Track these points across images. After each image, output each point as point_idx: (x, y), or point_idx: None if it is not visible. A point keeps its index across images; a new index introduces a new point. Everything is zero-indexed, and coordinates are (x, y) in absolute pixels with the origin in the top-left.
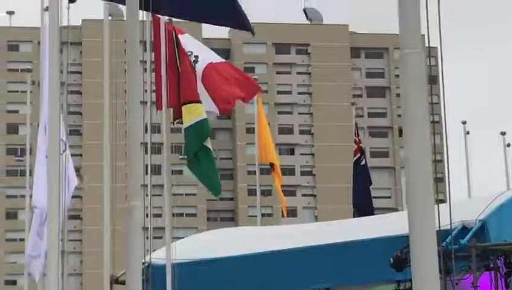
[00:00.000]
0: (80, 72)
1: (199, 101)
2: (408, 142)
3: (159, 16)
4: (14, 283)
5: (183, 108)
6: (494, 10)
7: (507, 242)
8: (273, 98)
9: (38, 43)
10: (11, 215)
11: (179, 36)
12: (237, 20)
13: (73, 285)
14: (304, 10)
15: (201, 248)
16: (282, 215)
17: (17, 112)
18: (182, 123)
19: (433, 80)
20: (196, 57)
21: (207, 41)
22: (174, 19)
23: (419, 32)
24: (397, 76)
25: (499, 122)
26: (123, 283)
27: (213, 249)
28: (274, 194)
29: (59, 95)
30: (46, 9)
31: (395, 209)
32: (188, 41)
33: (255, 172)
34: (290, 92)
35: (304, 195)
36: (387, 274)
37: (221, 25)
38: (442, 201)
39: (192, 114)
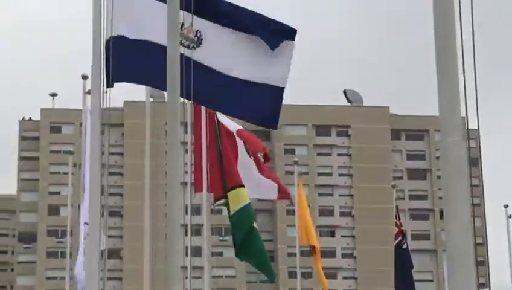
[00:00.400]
0: (121, 154)
1: (242, 185)
2: (449, 225)
3: None
4: None
5: (230, 194)
6: None
7: None
8: (313, 180)
9: (80, 124)
10: None
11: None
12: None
13: None
14: (344, 92)
15: None
16: None
17: (58, 193)
18: (223, 205)
19: (474, 162)
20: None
21: (247, 123)
22: None
23: (459, 121)
24: (438, 158)
25: None
26: None
27: None
28: (314, 276)
29: (100, 177)
30: (88, 92)
31: None
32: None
33: (295, 254)
34: (330, 174)
35: (344, 278)
36: None
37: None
38: (484, 285)
39: (239, 199)
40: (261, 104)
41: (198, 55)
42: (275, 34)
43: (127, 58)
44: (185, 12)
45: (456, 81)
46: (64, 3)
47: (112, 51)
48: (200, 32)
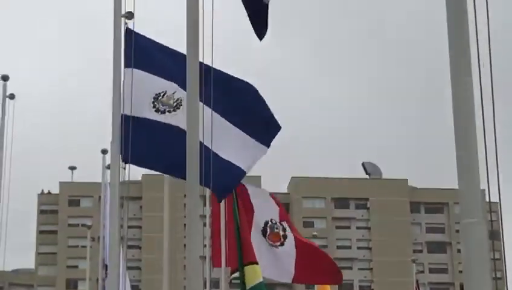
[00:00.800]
0: (140, 227)
1: (257, 262)
2: None
3: None
4: None
5: (246, 269)
6: None
7: None
8: (332, 253)
9: (99, 197)
10: None
11: (246, 186)
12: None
13: None
14: (363, 164)
15: None
16: None
17: (76, 267)
18: (238, 278)
19: (495, 235)
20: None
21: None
22: None
23: (479, 200)
24: (458, 231)
25: None
26: None
27: None
28: None
29: (119, 250)
30: (108, 167)
31: None
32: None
33: None
34: (349, 247)
35: None
36: None
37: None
38: None
39: (255, 276)
40: (220, 176)
41: (171, 119)
42: (256, 133)
43: (143, 140)
44: (171, 83)
45: (475, 153)
46: (85, 76)
47: (130, 129)
48: (181, 100)
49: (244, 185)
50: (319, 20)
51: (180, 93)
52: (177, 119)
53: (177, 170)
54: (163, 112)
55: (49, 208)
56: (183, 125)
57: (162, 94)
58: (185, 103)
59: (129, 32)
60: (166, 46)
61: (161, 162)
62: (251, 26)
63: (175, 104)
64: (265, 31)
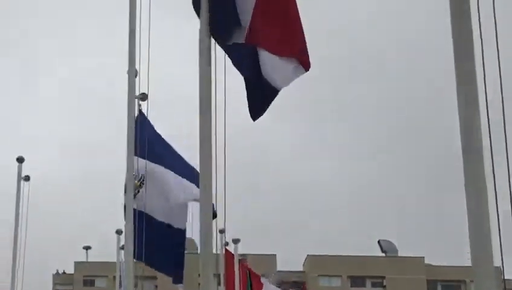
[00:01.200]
0: None
1: None
2: None
3: (232, 251)
4: None
5: None
6: None
7: None
8: None
9: (114, 277)
10: None
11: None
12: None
13: None
14: (379, 242)
15: None
16: None
17: None
18: None
19: None
20: None
21: (282, 274)
22: (247, 253)
23: (494, 283)
24: None
25: None
26: None
27: None
28: None
29: None
30: (122, 247)
31: None
32: None
33: None
34: None
35: None
36: None
37: None
38: None
39: None
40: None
41: (139, 203)
42: None
43: (151, 241)
44: (144, 160)
45: (487, 232)
46: (100, 156)
47: (143, 229)
48: (143, 177)
49: (258, 275)
50: (321, 95)
51: (143, 170)
52: (143, 199)
53: (167, 268)
54: (134, 197)
55: (64, 288)
56: (148, 207)
57: (133, 176)
58: (146, 178)
59: (141, 115)
60: (163, 139)
61: (157, 261)
62: (247, 105)
63: (139, 183)
64: (262, 113)
